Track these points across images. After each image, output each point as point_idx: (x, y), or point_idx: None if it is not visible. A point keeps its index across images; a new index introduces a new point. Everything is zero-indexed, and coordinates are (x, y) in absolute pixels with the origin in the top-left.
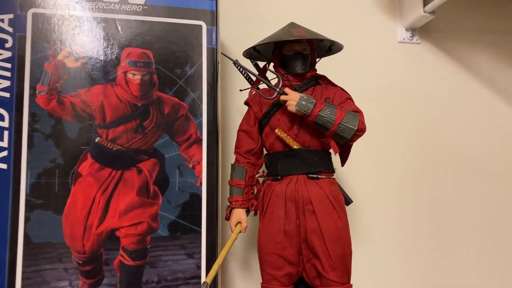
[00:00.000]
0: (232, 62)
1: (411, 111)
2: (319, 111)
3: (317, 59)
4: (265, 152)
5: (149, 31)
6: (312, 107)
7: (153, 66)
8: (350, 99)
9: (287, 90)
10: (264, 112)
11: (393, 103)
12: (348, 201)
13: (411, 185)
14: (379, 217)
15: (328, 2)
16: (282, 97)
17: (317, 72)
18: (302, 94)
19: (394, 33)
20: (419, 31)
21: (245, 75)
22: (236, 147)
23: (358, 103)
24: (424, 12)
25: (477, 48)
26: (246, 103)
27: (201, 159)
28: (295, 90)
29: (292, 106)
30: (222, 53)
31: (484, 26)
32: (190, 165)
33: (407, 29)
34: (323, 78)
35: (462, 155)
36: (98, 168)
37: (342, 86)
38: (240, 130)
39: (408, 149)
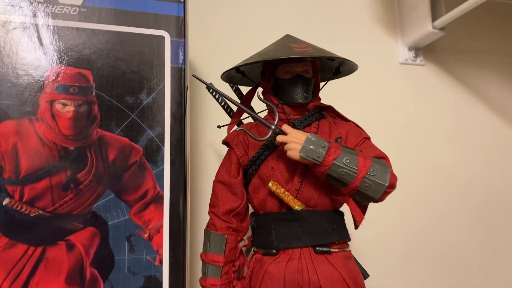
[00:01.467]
0: (206, 86)
1: (414, 144)
2: (334, 159)
3: (322, 84)
4: (251, 209)
5: (88, 43)
6: (324, 153)
7: (93, 93)
8: (369, 139)
9: (285, 127)
10: (252, 156)
11: (393, 135)
12: (364, 276)
13: (415, 227)
14: (380, 255)
15: (318, 15)
16: (279, 138)
17: (321, 101)
18: (308, 134)
19: (395, 52)
20: (423, 51)
21: (223, 104)
22: (211, 206)
23: None
24: (433, 28)
25: (489, 71)
26: (225, 142)
27: (162, 226)
28: (294, 126)
29: (294, 151)
30: (193, 75)
31: (498, 48)
32: (146, 235)
33: (410, 48)
34: (329, 109)
35: (474, 191)
36: (6, 244)
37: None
38: (217, 181)
39: (411, 189)
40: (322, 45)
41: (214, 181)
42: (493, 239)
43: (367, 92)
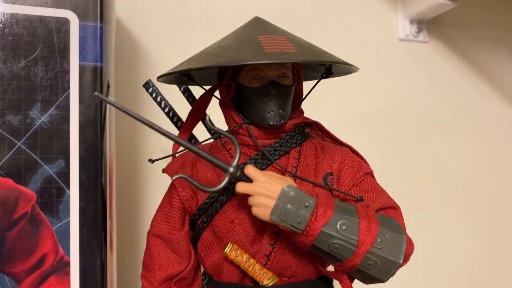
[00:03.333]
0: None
1: (415, 133)
2: (323, 226)
3: (305, 91)
4: (202, 268)
5: None
6: (309, 216)
7: None
8: (371, 174)
9: (250, 171)
10: (202, 202)
11: (391, 123)
12: None
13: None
14: None
15: None
16: (240, 188)
17: (304, 115)
18: (284, 186)
19: (393, 27)
20: (427, 25)
21: (163, 107)
22: (144, 268)
23: (347, 126)
24: None
25: (503, 49)
26: (165, 171)
27: None
28: (264, 157)
29: (263, 210)
30: (95, 95)
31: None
32: None
33: (411, 22)
34: (315, 126)
35: (482, 186)
36: None
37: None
38: (152, 234)
39: (414, 180)
40: (306, 17)
41: (149, 233)
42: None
43: (360, 74)
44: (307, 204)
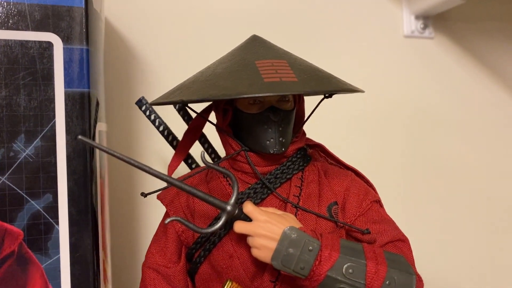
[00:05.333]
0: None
1: (421, 133)
2: (328, 271)
3: (307, 113)
4: None
5: None
6: (313, 261)
7: None
8: (378, 202)
9: (249, 209)
10: (199, 236)
11: (396, 122)
12: None
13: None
14: None
15: None
16: (239, 227)
17: (306, 137)
18: (285, 229)
19: (398, 22)
20: (433, 20)
21: (156, 123)
22: None
23: (351, 123)
24: None
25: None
26: (160, 198)
27: None
28: (263, 186)
29: (263, 251)
30: (79, 138)
31: None
32: None
33: (417, 18)
34: (319, 148)
35: (495, 188)
36: None
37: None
38: (147, 267)
39: (419, 177)
40: (310, 14)
41: (144, 266)
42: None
43: (364, 72)
44: (310, 248)
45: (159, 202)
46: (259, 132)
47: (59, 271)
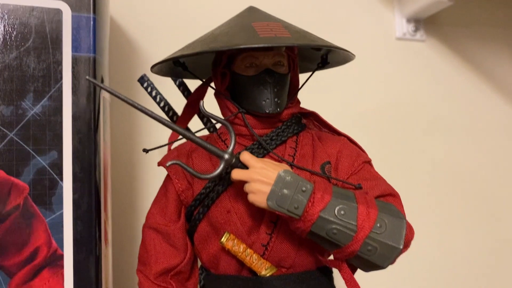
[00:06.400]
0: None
1: (412, 135)
2: (321, 211)
3: (301, 82)
4: (199, 262)
5: None
6: (306, 201)
7: None
8: (369, 163)
9: (245, 157)
10: (198, 193)
11: (387, 124)
12: None
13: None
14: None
15: None
16: (236, 174)
17: (301, 105)
18: (280, 171)
19: (390, 25)
20: (424, 24)
21: (159, 103)
22: (140, 263)
23: (344, 125)
24: None
25: (503, 49)
26: (161, 164)
27: None
28: (261, 147)
29: (259, 196)
30: (87, 79)
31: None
32: None
33: (408, 21)
34: (312, 116)
35: (484, 190)
36: None
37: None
38: (148, 227)
39: (410, 178)
40: (300, 16)
41: (144, 227)
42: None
43: (357, 73)
44: (304, 189)
45: (158, 169)
46: (255, 93)
47: (62, 226)
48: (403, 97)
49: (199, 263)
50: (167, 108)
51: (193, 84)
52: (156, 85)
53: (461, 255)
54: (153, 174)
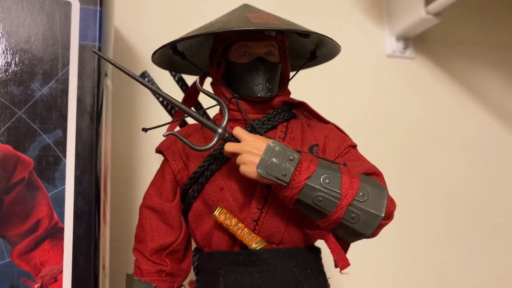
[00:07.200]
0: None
1: (402, 149)
2: (307, 179)
3: (292, 73)
4: (193, 244)
5: None
6: (293, 169)
7: None
8: (355, 147)
9: (238, 131)
10: (193, 171)
11: (378, 139)
12: None
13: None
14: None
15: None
16: (228, 147)
17: (291, 96)
18: (270, 142)
19: (380, 43)
20: (413, 42)
21: (161, 99)
22: (136, 241)
23: None
24: (427, 13)
25: (487, 67)
26: (158, 151)
27: (61, 272)
28: (253, 130)
29: (250, 166)
30: (94, 51)
31: (498, 41)
32: (36, 286)
33: (398, 38)
34: (302, 106)
35: (470, 201)
36: None
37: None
38: (144, 207)
39: (399, 192)
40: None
41: (141, 206)
42: (495, 251)
43: (348, 89)
44: (291, 158)
45: (157, 155)
46: (248, 78)
47: (64, 200)
48: (392, 111)
49: (193, 246)
50: (166, 103)
51: (190, 80)
52: (156, 82)
53: (449, 261)
54: (151, 160)
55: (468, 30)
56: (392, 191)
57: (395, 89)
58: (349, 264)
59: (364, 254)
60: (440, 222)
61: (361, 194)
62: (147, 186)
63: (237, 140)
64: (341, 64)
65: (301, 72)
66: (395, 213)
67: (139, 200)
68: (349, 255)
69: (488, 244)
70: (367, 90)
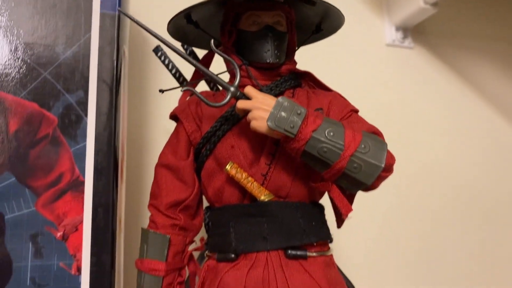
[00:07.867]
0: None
1: (400, 136)
2: (313, 131)
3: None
4: (205, 204)
5: None
6: (300, 122)
7: None
8: (357, 112)
9: (249, 90)
10: (206, 132)
11: (379, 126)
12: None
13: (406, 230)
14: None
15: None
16: (241, 104)
17: (297, 66)
18: (279, 98)
19: (380, 32)
20: (412, 32)
21: (171, 69)
22: (152, 197)
23: None
24: (425, 3)
25: (484, 58)
26: (172, 116)
27: (81, 222)
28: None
29: (260, 120)
30: (119, 10)
31: (494, 33)
32: (59, 234)
33: (397, 28)
34: (308, 76)
35: (467, 189)
36: None
37: None
38: (160, 165)
39: (401, 182)
40: None
41: (157, 165)
42: (491, 239)
43: (348, 77)
44: (299, 112)
45: (171, 121)
46: (258, 45)
47: (84, 156)
48: (392, 100)
49: (205, 206)
50: (178, 75)
51: (200, 54)
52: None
53: (447, 252)
54: (165, 125)
55: (466, 22)
56: (391, 181)
57: (394, 77)
58: (352, 210)
59: (366, 246)
60: (441, 207)
61: (363, 146)
62: (161, 148)
63: (248, 98)
64: (342, 52)
65: (301, 59)
66: (395, 207)
67: (154, 161)
68: (349, 248)
69: (489, 235)
70: (367, 78)
